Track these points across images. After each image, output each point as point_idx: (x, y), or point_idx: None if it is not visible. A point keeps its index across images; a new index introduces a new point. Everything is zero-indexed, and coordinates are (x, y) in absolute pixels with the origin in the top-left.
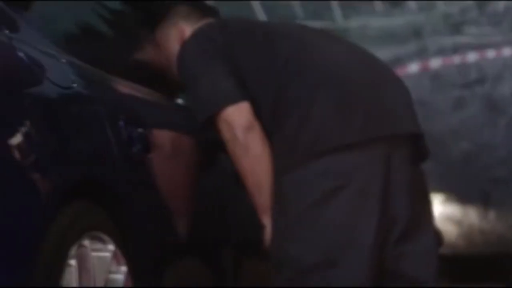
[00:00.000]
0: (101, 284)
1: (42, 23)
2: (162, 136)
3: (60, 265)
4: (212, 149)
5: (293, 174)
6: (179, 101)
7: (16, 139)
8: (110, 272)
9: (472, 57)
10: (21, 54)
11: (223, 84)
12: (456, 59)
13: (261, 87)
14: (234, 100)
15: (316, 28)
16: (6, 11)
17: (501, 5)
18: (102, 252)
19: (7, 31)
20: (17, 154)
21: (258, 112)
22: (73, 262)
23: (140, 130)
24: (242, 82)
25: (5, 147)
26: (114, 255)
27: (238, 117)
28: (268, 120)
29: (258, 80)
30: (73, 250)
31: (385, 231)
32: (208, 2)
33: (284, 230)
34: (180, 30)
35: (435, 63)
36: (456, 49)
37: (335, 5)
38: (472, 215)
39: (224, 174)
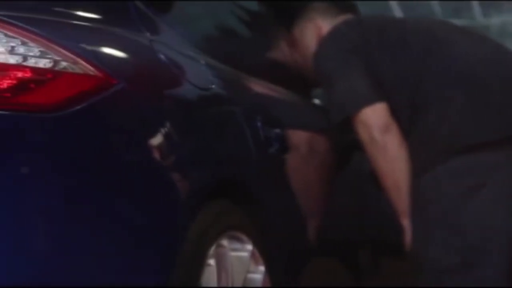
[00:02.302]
0: (239, 284)
1: (181, 25)
2: (299, 136)
3: (199, 265)
4: (348, 149)
5: (432, 173)
6: (315, 100)
7: (157, 140)
8: (248, 272)
9: None
10: (161, 56)
11: (359, 85)
12: None
13: (397, 86)
14: (371, 101)
15: (453, 24)
16: (147, 14)
17: None
18: (240, 252)
19: (148, 34)
20: (157, 155)
21: (394, 111)
22: (212, 262)
23: (277, 130)
24: (378, 81)
25: (146, 148)
26: (252, 255)
27: (375, 118)
28: (405, 120)
29: (394, 78)
30: (212, 250)
31: None
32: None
33: (423, 230)
34: (317, 27)
35: None
36: None
37: (475, 3)
38: None
39: (361, 174)
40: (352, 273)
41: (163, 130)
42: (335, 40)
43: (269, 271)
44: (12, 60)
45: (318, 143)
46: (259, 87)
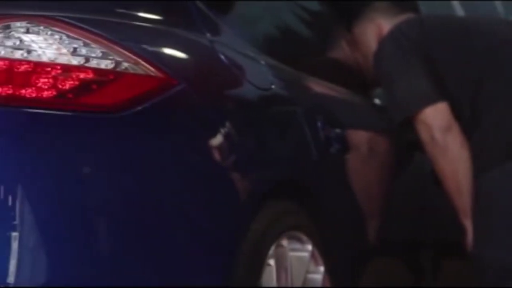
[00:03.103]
0: (299, 284)
1: (241, 25)
2: (359, 137)
3: (259, 265)
4: (409, 149)
5: (494, 173)
6: (376, 100)
7: (217, 141)
8: (308, 272)
9: None
10: (221, 57)
11: (421, 84)
12: None
13: (458, 85)
14: (432, 101)
15: None
16: (208, 14)
17: None
18: (300, 252)
19: (208, 34)
20: (218, 156)
21: (456, 111)
22: (271, 262)
23: (337, 130)
24: (439, 81)
25: (206, 149)
26: (312, 255)
27: (436, 118)
28: (466, 119)
29: (455, 77)
30: (272, 250)
31: None
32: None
33: (485, 231)
34: (378, 27)
35: None
36: None
37: None
38: None
39: (422, 174)
40: (413, 273)
41: (223, 131)
42: (395, 40)
43: (329, 272)
44: (75, 61)
45: (379, 143)
46: (319, 87)
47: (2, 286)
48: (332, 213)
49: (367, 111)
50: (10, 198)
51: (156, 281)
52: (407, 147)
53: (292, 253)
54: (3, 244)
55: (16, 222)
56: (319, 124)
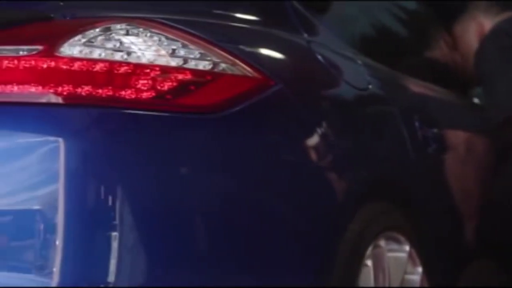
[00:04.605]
0: (397, 285)
1: (338, 24)
2: (457, 137)
3: (357, 266)
4: (508, 149)
5: None
6: (474, 100)
7: (314, 141)
8: (406, 272)
9: None
10: (319, 57)
11: None
12: None
13: None
14: None
15: None
16: (305, 14)
17: None
18: (397, 253)
19: (305, 35)
20: (315, 156)
21: None
22: (369, 262)
23: (435, 130)
24: None
25: (303, 149)
26: (410, 256)
27: None
28: None
29: None
30: (369, 251)
31: None
32: None
33: None
34: (479, 26)
35: None
36: None
37: None
38: None
39: None
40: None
41: (320, 131)
42: (496, 38)
43: (427, 273)
44: (173, 62)
45: (477, 143)
46: (416, 86)
47: (102, 285)
48: (430, 214)
49: (466, 110)
50: (110, 199)
51: (253, 281)
52: (506, 147)
53: (389, 254)
54: (103, 244)
55: (116, 222)
56: (416, 124)
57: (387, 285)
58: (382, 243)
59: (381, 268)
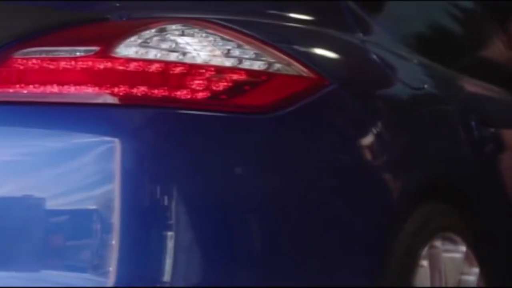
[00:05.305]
0: (453, 285)
1: (393, 24)
2: None
3: (412, 266)
4: None
5: None
6: None
7: (369, 141)
8: (462, 273)
9: None
10: (374, 57)
11: None
12: None
13: None
14: None
15: None
16: (360, 14)
17: None
18: (453, 253)
19: (360, 34)
20: (369, 156)
21: None
22: (424, 263)
23: (491, 129)
24: None
25: (358, 149)
26: (466, 257)
27: None
28: None
29: None
30: (425, 251)
31: None
32: None
33: None
34: None
35: None
36: None
37: None
38: None
39: None
40: None
41: (375, 131)
42: None
43: (484, 274)
44: (228, 63)
45: None
46: (472, 86)
47: (158, 285)
48: (486, 214)
49: None
50: (165, 199)
51: (306, 281)
52: None
53: (445, 254)
54: (159, 244)
55: (172, 222)
56: (472, 123)
57: (443, 285)
58: (438, 243)
59: (437, 268)
